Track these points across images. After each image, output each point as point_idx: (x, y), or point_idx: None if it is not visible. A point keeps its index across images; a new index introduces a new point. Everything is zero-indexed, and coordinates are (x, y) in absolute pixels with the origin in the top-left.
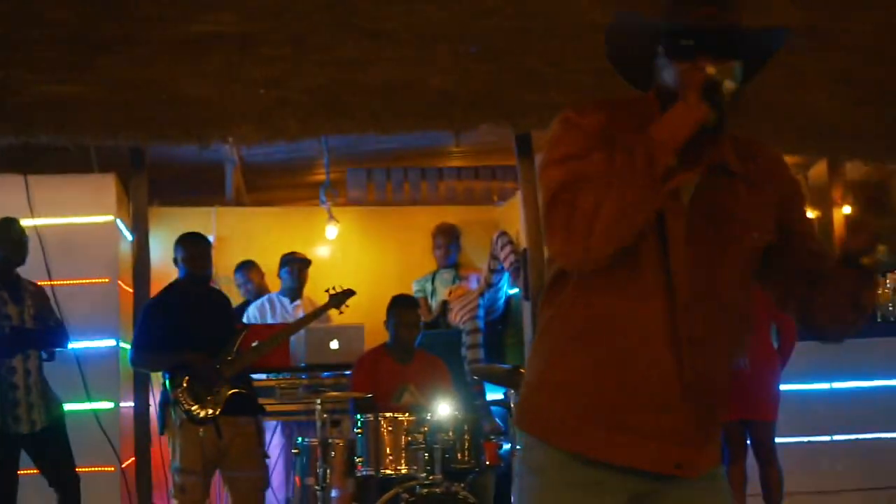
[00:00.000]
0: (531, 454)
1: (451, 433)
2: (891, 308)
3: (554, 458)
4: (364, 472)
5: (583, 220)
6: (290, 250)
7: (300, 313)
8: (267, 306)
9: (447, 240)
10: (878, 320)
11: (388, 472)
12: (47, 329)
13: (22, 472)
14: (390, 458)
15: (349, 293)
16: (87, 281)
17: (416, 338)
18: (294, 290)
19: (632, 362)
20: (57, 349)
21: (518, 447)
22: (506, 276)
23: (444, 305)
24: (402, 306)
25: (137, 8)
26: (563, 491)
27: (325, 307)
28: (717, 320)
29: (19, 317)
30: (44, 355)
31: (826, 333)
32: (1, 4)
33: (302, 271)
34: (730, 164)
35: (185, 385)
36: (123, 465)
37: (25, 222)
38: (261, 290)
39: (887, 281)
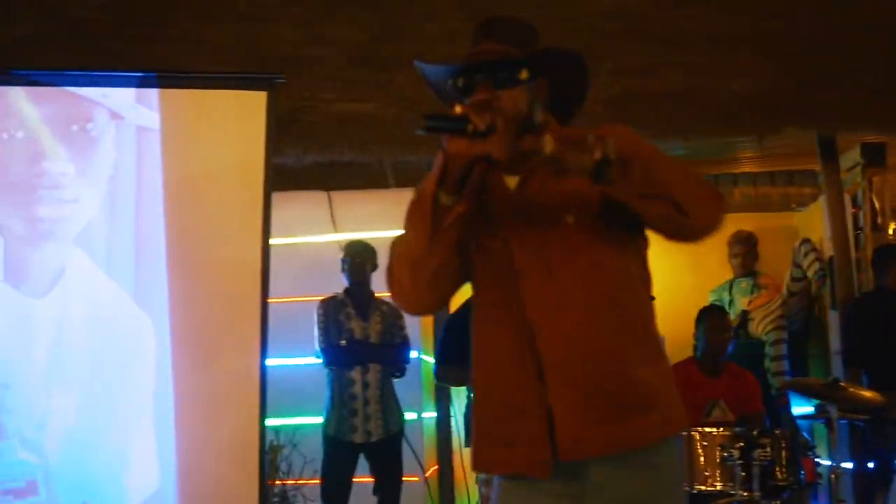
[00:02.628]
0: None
1: (768, 449)
2: None
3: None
4: None
5: (399, 274)
6: None
7: None
8: None
9: (744, 248)
10: None
11: (703, 487)
12: (385, 345)
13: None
14: (706, 473)
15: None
16: (389, 294)
17: (727, 345)
18: None
19: (498, 377)
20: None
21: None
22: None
23: (744, 315)
24: (712, 314)
25: (426, 27)
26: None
27: None
28: (565, 299)
29: (363, 332)
30: (395, 372)
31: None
32: (296, 29)
33: None
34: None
35: None
36: (427, 475)
37: (329, 237)
38: None
39: None
